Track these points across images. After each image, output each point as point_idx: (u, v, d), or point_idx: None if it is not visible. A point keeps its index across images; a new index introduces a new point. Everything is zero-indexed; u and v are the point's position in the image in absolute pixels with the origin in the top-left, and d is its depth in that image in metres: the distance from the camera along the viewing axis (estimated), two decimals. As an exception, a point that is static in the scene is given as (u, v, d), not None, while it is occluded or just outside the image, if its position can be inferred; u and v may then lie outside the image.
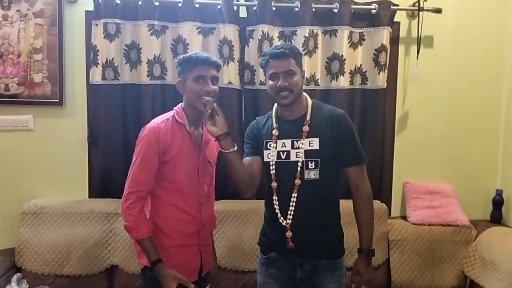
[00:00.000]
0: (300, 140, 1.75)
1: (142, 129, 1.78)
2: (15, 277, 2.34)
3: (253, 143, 1.87)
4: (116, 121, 2.57)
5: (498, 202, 2.73)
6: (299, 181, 1.73)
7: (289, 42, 2.60)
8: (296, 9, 2.55)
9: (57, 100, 2.58)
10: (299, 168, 1.73)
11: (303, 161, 1.73)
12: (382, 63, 2.60)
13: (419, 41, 2.67)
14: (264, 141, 1.82)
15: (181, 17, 2.52)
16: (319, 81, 2.63)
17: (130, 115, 2.58)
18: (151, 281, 1.73)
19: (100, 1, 2.47)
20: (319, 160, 1.73)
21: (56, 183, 2.64)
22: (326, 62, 2.64)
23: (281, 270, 1.80)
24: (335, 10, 2.56)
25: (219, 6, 2.52)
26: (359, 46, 2.63)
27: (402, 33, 2.74)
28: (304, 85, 2.50)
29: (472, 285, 2.48)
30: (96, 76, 2.51)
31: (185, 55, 1.81)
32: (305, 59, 2.57)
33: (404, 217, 2.74)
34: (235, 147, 1.74)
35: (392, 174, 2.80)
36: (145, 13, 2.49)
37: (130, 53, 2.54)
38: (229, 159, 1.72)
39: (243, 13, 2.60)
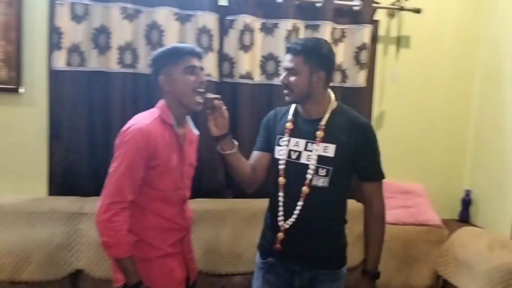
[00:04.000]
0: (314, 143, 1.65)
1: (125, 128, 1.57)
2: (-38, 284, 2.08)
3: (265, 136, 1.78)
4: (81, 111, 2.35)
5: (467, 202, 2.80)
6: (307, 189, 1.63)
7: (270, 36, 2.50)
8: (279, 1, 2.45)
9: (14, 86, 2.31)
10: (308, 175, 1.63)
11: (314, 167, 1.63)
12: (363, 62, 2.57)
13: (398, 40, 2.66)
14: (277, 136, 1.72)
15: (156, 1, 2.33)
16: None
17: (97, 105, 2.37)
18: None
19: (66, -21, 2.23)
20: (331, 168, 1.63)
21: (10, 178, 2.38)
22: (307, 58, 2.57)
23: (279, 277, 1.71)
24: (319, 5, 2.49)
25: (198, -8, 2.37)
26: (340, 43, 2.58)
27: (381, 32, 2.73)
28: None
29: (445, 284, 2.52)
30: (60, 61, 2.28)
31: (167, 48, 1.67)
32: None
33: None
34: (235, 148, 1.64)
35: (367, 173, 2.79)
36: (118, -5, 2.29)
37: (98, 37, 2.32)
38: (227, 161, 1.63)
39: (222, 1, 2.46)
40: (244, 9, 2.41)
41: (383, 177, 1.73)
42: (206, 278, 2.32)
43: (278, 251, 1.69)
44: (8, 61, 2.29)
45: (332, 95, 1.73)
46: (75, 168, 2.37)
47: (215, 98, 1.64)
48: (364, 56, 2.57)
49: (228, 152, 1.65)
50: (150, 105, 2.27)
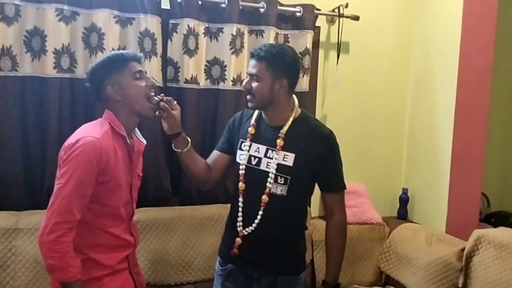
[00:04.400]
0: (275, 150, 1.65)
1: (73, 141, 1.47)
2: None
3: (227, 137, 1.79)
4: (14, 119, 2.17)
5: (404, 200, 2.94)
6: (267, 198, 1.64)
7: (215, 40, 2.48)
8: (223, 5, 2.43)
9: None
10: (268, 184, 1.63)
11: (274, 175, 1.64)
12: (306, 67, 2.63)
13: (339, 46, 2.75)
14: (240, 139, 1.71)
15: (95, 3, 2.22)
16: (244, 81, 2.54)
17: (31, 113, 2.21)
18: None
19: (-6, -23, 2.07)
20: (289, 177, 1.64)
21: None
22: (252, 62, 2.57)
23: (237, 284, 1.70)
24: (262, 10, 2.51)
25: (140, -5, 2.29)
26: (284, 48, 2.62)
27: (322, 37, 2.80)
28: (231, 85, 2.46)
29: (387, 279, 2.64)
30: (-12, 66, 2.10)
31: (107, 57, 1.60)
32: (232, 58, 2.48)
33: (322, 217, 2.81)
34: (188, 145, 1.66)
35: (311, 175, 2.85)
36: (53, -5, 2.15)
37: (32, 40, 2.17)
38: (181, 158, 1.67)
39: (165, 4, 2.40)
40: (188, 13, 2.36)
41: (344, 188, 1.75)
42: (155, 290, 2.25)
43: (236, 256, 1.68)
44: None
45: (296, 102, 1.73)
46: (6, 181, 2.19)
47: (161, 100, 1.62)
48: (306, 61, 2.62)
49: (181, 150, 1.66)
50: (88, 110, 2.21)
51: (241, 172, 1.69)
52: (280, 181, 1.64)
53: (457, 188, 2.64)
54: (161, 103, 1.61)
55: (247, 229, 1.66)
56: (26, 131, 2.21)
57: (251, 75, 1.64)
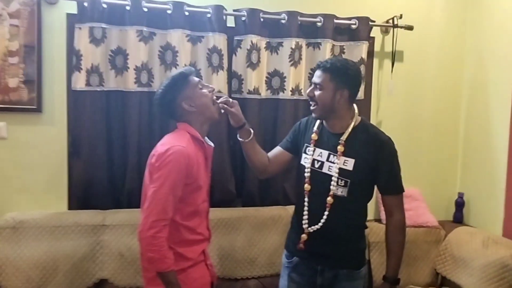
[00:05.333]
0: (336, 155, 1.81)
1: (162, 150, 1.65)
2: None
3: (292, 138, 1.99)
4: (100, 129, 2.46)
5: (460, 204, 2.99)
6: (332, 199, 1.80)
7: (276, 53, 2.67)
8: (283, 21, 2.63)
9: (35, 107, 2.43)
10: (332, 186, 1.79)
11: (336, 178, 1.79)
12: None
13: (393, 55, 2.87)
14: (305, 144, 1.90)
15: (170, 24, 2.49)
16: (302, 91, 2.72)
17: (115, 123, 2.50)
18: None
19: (85, 5, 2.36)
20: (349, 180, 1.79)
21: (31, 194, 2.48)
22: (309, 73, 2.74)
23: (303, 276, 1.87)
24: (319, 24, 2.68)
25: (208, 15, 2.52)
26: (340, 59, 2.77)
27: (376, 47, 2.93)
28: (290, 95, 2.63)
29: (443, 281, 2.70)
30: (79, 82, 2.40)
31: (171, 78, 1.77)
32: (291, 70, 2.66)
33: (378, 220, 2.91)
34: (251, 136, 1.89)
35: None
36: (133, 19, 2.42)
37: (115, 59, 2.46)
38: (245, 148, 1.91)
39: (230, 22, 2.62)
40: (251, 29, 2.58)
41: (402, 191, 1.87)
42: (223, 283, 2.45)
43: (302, 250, 1.84)
44: (29, 83, 2.41)
45: (356, 111, 1.87)
46: (94, 183, 2.48)
47: (221, 102, 1.84)
48: (362, 70, 2.75)
49: (244, 139, 1.89)
50: (163, 121, 2.45)
51: (307, 174, 1.85)
52: (341, 183, 1.80)
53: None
54: (221, 105, 1.83)
55: (313, 227, 1.82)
56: (110, 139, 2.50)
57: (315, 84, 1.81)
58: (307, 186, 1.85)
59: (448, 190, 3.09)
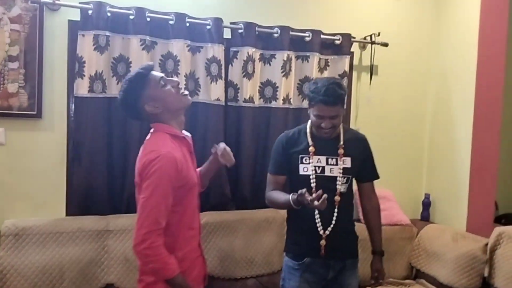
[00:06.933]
0: (334, 157, 2.01)
1: (150, 157, 1.57)
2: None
3: (282, 160, 2.06)
4: (102, 135, 2.49)
5: (427, 204, 3.32)
6: (339, 198, 1.99)
7: (269, 64, 2.84)
8: (276, 35, 2.80)
9: (34, 112, 2.42)
10: (338, 186, 1.98)
11: (342, 177, 1.99)
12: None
13: (371, 68, 3.14)
14: (300, 156, 2.03)
15: (172, 34, 2.58)
16: (291, 100, 2.91)
17: (116, 129, 2.54)
18: None
19: (89, 13, 2.39)
20: (350, 177, 2.03)
21: (29, 201, 2.45)
22: (298, 84, 2.94)
23: (316, 273, 2.02)
24: (307, 39, 2.88)
25: (208, 27, 2.64)
26: (325, 71, 2.99)
27: (355, 61, 3.19)
28: (282, 103, 2.81)
29: (418, 273, 3.00)
30: (82, 88, 2.42)
31: (128, 79, 1.66)
32: (282, 80, 2.84)
33: (357, 220, 3.15)
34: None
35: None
36: (137, 28, 2.49)
37: (117, 66, 2.51)
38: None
39: (226, 34, 2.76)
40: (247, 41, 2.73)
41: (378, 177, 2.18)
42: (224, 283, 2.57)
43: (321, 255, 1.99)
44: (29, 88, 2.39)
45: None
46: (94, 189, 2.50)
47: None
48: (345, 82, 2.99)
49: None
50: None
51: (313, 181, 2.00)
52: (343, 181, 2.03)
53: (475, 193, 3.02)
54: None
55: (328, 229, 1.98)
56: (111, 144, 2.54)
57: (331, 116, 1.92)
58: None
59: (415, 191, 3.42)
